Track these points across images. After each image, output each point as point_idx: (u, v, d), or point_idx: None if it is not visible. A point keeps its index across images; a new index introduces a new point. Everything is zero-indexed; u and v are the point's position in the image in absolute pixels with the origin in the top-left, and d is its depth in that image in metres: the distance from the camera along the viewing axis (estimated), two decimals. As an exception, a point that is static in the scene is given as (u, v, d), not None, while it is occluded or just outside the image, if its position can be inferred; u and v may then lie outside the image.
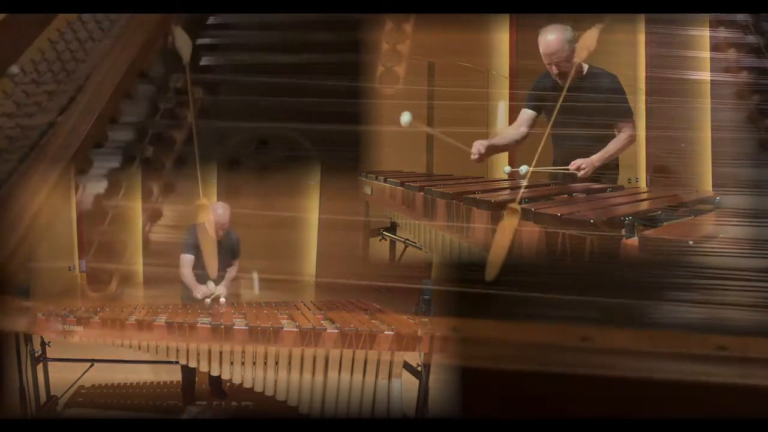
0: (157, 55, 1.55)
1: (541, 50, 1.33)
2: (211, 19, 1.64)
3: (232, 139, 1.44)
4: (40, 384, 1.20)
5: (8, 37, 1.57)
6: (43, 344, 1.22)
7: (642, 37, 1.47)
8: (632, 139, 1.33)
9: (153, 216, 1.40)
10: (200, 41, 1.58)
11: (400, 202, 1.38)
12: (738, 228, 1.19)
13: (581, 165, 1.31)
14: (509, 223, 1.16)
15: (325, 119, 1.42)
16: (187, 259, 1.32)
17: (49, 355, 1.22)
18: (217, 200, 1.39)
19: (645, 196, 1.30)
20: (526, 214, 1.20)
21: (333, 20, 1.54)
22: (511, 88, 1.49)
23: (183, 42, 1.47)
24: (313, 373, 1.15)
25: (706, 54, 1.43)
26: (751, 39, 1.49)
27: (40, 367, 1.22)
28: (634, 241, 1.16)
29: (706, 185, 1.34)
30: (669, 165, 1.39)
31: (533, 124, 1.37)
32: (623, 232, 1.15)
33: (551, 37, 1.31)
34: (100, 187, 1.38)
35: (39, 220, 1.23)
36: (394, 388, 1.16)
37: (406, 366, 1.17)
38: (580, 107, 1.32)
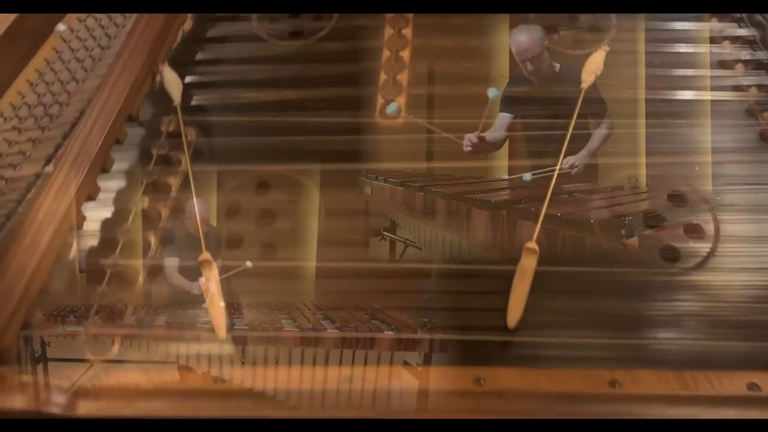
0: (145, 97, 1.47)
1: (513, 50, 1.36)
2: (200, 55, 1.59)
3: (230, 182, 1.39)
4: (40, 384, 1.20)
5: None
6: (43, 344, 1.22)
7: (641, 38, 1.47)
8: (610, 132, 1.34)
9: (153, 272, 1.31)
10: (189, 79, 1.51)
11: (400, 202, 1.38)
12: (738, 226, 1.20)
13: (573, 162, 1.31)
14: (528, 264, 1.11)
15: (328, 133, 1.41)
16: (171, 262, 1.32)
17: (49, 355, 1.22)
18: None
19: (645, 196, 1.30)
20: (526, 214, 1.20)
21: (332, 34, 1.54)
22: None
23: (172, 81, 1.41)
24: (313, 373, 1.16)
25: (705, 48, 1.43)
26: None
27: (40, 367, 1.22)
28: (634, 241, 1.16)
29: (706, 184, 1.34)
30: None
31: (510, 127, 1.38)
32: (623, 232, 1.15)
33: (522, 37, 1.34)
34: (94, 242, 1.31)
35: (37, 276, 1.18)
36: (393, 388, 1.16)
37: (406, 366, 1.17)
38: (554, 105, 1.32)
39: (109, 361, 1.21)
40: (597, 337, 1.07)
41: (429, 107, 1.49)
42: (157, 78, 1.47)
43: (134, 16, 1.57)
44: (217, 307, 1.18)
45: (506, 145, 1.38)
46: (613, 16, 1.45)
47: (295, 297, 1.30)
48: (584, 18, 1.47)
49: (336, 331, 1.16)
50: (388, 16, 1.56)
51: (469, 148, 1.33)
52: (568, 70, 1.35)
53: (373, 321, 1.19)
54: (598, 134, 1.33)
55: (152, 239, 1.32)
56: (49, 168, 1.34)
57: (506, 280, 1.13)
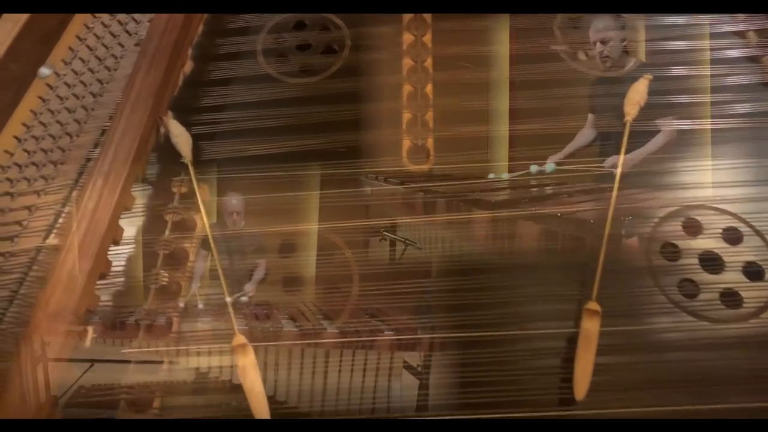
0: (150, 156, 1.34)
1: (590, 32, 1.36)
2: (204, 101, 1.45)
3: (252, 244, 1.32)
4: (40, 384, 1.20)
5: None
6: (43, 344, 1.22)
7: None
8: (670, 138, 1.30)
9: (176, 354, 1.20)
10: (196, 130, 1.36)
11: (400, 202, 1.38)
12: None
13: (615, 163, 1.26)
14: (592, 329, 1.04)
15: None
16: (201, 254, 1.31)
17: (49, 355, 1.22)
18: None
19: (645, 195, 1.30)
20: (525, 214, 1.20)
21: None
22: (511, 88, 1.48)
23: (180, 136, 1.28)
24: (313, 373, 1.16)
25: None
26: None
27: (40, 367, 1.22)
28: (634, 241, 1.16)
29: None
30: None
31: (596, 125, 1.37)
32: (623, 232, 1.16)
33: (602, 19, 1.35)
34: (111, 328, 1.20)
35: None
36: (393, 388, 1.16)
37: (406, 366, 1.17)
38: (619, 102, 1.31)
39: (109, 361, 1.21)
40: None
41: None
42: (162, 130, 1.35)
43: (129, 53, 1.48)
44: (256, 393, 1.10)
45: (506, 147, 1.39)
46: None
47: (296, 297, 1.31)
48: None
49: (336, 331, 1.16)
50: (406, 47, 1.47)
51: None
52: (641, 70, 1.34)
53: (373, 321, 1.19)
54: (655, 139, 1.30)
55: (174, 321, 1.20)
56: (52, 241, 1.23)
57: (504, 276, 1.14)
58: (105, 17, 1.55)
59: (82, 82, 1.47)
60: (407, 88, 1.42)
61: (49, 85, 1.45)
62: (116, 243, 1.25)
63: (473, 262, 1.22)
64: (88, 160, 1.33)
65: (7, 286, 1.19)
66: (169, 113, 1.37)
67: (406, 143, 1.37)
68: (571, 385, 1.04)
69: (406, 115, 1.41)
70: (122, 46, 1.51)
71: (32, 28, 1.44)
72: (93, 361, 1.23)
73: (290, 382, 1.16)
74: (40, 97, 1.44)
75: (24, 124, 1.40)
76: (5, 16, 1.41)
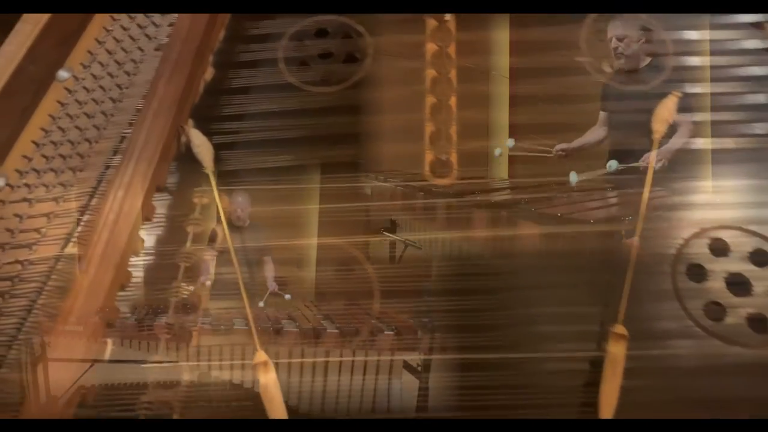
0: (171, 165, 1.31)
1: (609, 28, 1.35)
2: (226, 109, 1.41)
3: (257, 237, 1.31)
4: (40, 384, 1.20)
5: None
6: (43, 344, 1.21)
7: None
8: (693, 133, 1.30)
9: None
10: (217, 139, 1.31)
11: (400, 202, 1.38)
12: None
13: (658, 157, 1.26)
14: (618, 353, 1.03)
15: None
16: (209, 251, 1.32)
17: (49, 355, 1.22)
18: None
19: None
20: (525, 214, 1.20)
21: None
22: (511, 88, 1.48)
23: (202, 146, 1.26)
24: (313, 373, 1.16)
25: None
26: None
27: (40, 367, 1.22)
28: (634, 240, 1.16)
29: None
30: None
31: (608, 123, 1.38)
32: (623, 232, 1.15)
33: (618, 24, 1.34)
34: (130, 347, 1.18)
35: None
36: (393, 388, 1.16)
37: (406, 366, 1.17)
38: (635, 98, 1.32)
39: (109, 362, 1.21)
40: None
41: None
42: (183, 139, 1.31)
43: (148, 58, 1.43)
44: (277, 408, 1.11)
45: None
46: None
47: (296, 297, 1.31)
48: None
49: (336, 330, 1.16)
50: (429, 58, 1.41)
51: (563, 154, 1.33)
52: (656, 67, 1.34)
53: (373, 321, 1.19)
54: (678, 134, 1.29)
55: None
56: (71, 250, 1.19)
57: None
58: (124, 20, 1.51)
59: (101, 86, 1.42)
60: (431, 100, 1.39)
61: (67, 89, 1.41)
62: (136, 254, 1.23)
63: (485, 280, 1.21)
64: (108, 167, 1.30)
65: (26, 295, 1.17)
66: (190, 122, 1.34)
67: (429, 156, 1.33)
68: (594, 407, 1.05)
69: (429, 128, 1.38)
70: (142, 51, 1.46)
71: (51, 30, 1.40)
72: (93, 361, 1.23)
73: (290, 382, 1.16)
74: (59, 101, 1.40)
75: (42, 129, 1.36)
76: (24, 17, 1.37)
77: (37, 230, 1.24)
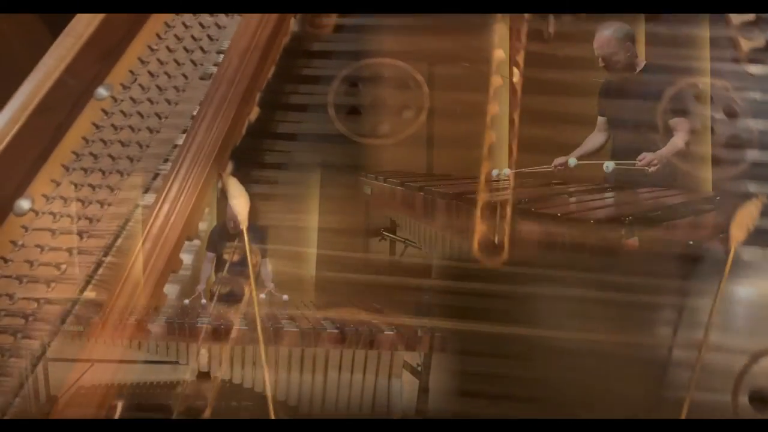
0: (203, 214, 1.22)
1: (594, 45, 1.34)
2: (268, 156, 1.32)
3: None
4: (40, 384, 1.20)
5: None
6: (43, 344, 1.21)
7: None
8: (688, 137, 1.29)
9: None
10: (255, 188, 1.22)
11: (400, 202, 1.38)
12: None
13: (653, 160, 1.27)
14: None
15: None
16: (207, 256, 1.31)
17: (49, 355, 1.22)
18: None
19: (646, 195, 1.30)
20: (526, 214, 1.20)
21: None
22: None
23: (239, 197, 1.15)
24: (313, 373, 1.16)
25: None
26: None
27: (40, 367, 1.22)
28: (634, 241, 1.16)
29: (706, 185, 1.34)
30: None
31: (605, 127, 1.37)
32: (623, 232, 1.15)
33: (603, 33, 1.33)
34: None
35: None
36: (393, 388, 1.16)
37: (406, 366, 1.17)
38: (632, 102, 1.32)
39: (109, 361, 1.21)
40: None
41: (429, 76, 1.37)
42: (219, 185, 1.22)
43: (192, 87, 1.33)
44: None
45: (506, 144, 1.39)
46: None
47: (296, 297, 1.31)
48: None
49: (336, 330, 1.16)
50: (489, 121, 1.29)
51: (561, 168, 1.33)
52: (653, 70, 1.34)
53: (373, 321, 1.19)
54: (676, 137, 1.28)
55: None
56: (89, 294, 1.12)
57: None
58: (170, 40, 1.39)
59: (139, 112, 1.31)
60: (485, 166, 1.28)
61: (104, 111, 1.32)
62: (157, 310, 1.19)
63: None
64: (138, 206, 1.20)
65: (39, 338, 1.12)
66: (230, 167, 1.26)
67: (480, 231, 1.22)
68: None
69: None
70: (186, 78, 1.35)
71: (94, 44, 1.32)
72: (93, 361, 1.23)
73: (290, 382, 1.16)
74: (94, 124, 1.31)
75: (74, 152, 1.28)
76: (67, 30, 1.30)
77: (57, 266, 1.16)
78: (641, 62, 1.35)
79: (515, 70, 1.28)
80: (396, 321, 1.18)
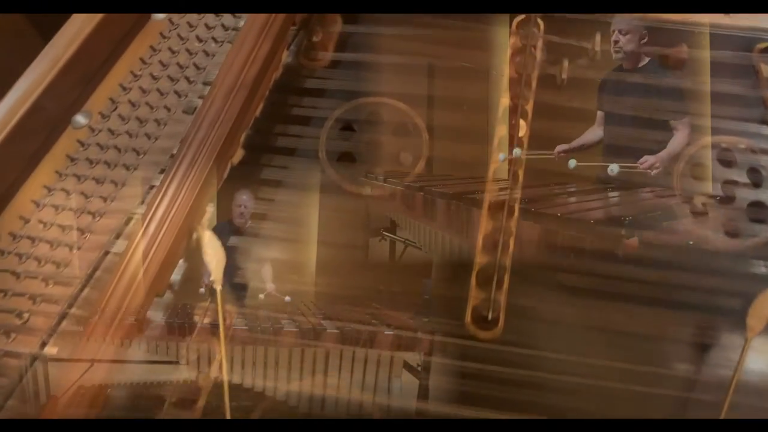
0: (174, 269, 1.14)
1: (613, 21, 1.32)
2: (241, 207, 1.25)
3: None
4: (40, 384, 1.20)
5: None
6: (42, 344, 1.21)
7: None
8: (690, 137, 1.28)
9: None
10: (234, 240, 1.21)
11: (400, 202, 1.38)
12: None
13: (655, 163, 1.26)
14: None
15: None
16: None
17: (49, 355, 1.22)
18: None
19: (646, 195, 1.30)
20: (526, 215, 1.20)
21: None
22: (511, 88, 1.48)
23: (214, 254, 1.06)
24: (313, 373, 1.16)
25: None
26: None
27: (40, 367, 1.22)
28: (634, 241, 1.16)
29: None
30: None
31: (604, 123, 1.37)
32: (623, 232, 1.15)
33: (624, 16, 1.31)
34: None
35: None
36: (393, 388, 1.16)
37: (406, 366, 1.17)
38: (627, 98, 1.31)
39: (109, 361, 1.21)
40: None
41: (429, 76, 1.34)
42: (194, 236, 1.12)
43: (174, 121, 1.21)
44: None
45: (506, 145, 1.39)
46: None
47: (295, 297, 1.31)
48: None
49: (336, 331, 1.16)
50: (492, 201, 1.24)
51: (563, 155, 1.32)
52: (655, 66, 1.34)
53: (374, 321, 1.19)
54: (675, 139, 1.28)
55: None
56: (50, 350, 1.04)
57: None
58: (154, 66, 1.29)
59: (116, 147, 1.21)
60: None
61: (80, 142, 1.22)
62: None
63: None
64: (107, 253, 1.11)
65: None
66: (208, 214, 1.17)
67: (473, 301, 1.18)
68: None
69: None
70: (168, 110, 1.24)
71: (73, 67, 1.22)
72: (93, 361, 1.23)
73: (290, 382, 1.16)
74: (69, 156, 1.21)
75: (46, 187, 1.18)
76: (45, 51, 1.21)
77: (19, 315, 1.08)
78: (645, 59, 1.35)
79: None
80: (396, 321, 1.18)
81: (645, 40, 1.33)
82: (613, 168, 1.28)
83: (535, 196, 1.25)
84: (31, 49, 1.25)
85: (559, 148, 1.32)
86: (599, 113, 1.36)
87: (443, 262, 1.29)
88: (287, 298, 1.28)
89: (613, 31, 1.34)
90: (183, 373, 1.16)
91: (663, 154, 1.28)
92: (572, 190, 1.33)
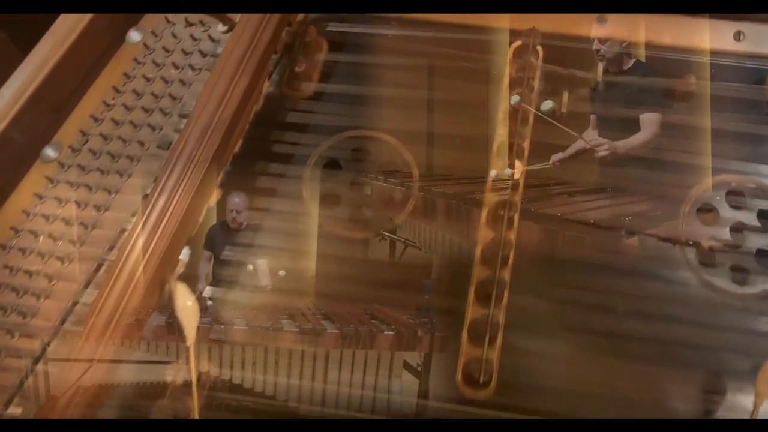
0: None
1: (593, 28, 1.32)
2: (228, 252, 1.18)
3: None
4: (40, 384, 1.20)
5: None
6: (43, 344, 1.21)
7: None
8: (653, 137, 1.29)
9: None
10: (210, 291, 1.16)
11: (400, 202, 1.38)
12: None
13: (604, 144, 1.27)
14: None
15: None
16: (204, 255, 1.29)
17: (49, 355, 1.22)
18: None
19: (646, 196, 1.30)
20: (525, 214, 1.20)
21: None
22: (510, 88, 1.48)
23: (185, 309, 1.00)
24: (313, 373, 1.16)
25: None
26: None
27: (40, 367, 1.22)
28: (635, 241, 1.16)
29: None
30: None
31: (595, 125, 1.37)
32: (623, 232, 1.16)
33: (603, 21, 1.32)
34: None
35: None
36: (393, 388, 1.16)
37: (406, 366, 1.17)
38: (613, 97, 1.32)
39: (109, 361, 1.21)
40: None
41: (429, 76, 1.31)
42: (166, 288, 1.06)
43: (149, 157, 1.16)
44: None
45: (506, 144, 1.39)
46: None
47: (296, 297, 1.31)
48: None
49: (336, 331, 1.16)
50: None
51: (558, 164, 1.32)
52: (638, 68, 1.34)
53: (373, 321, 1.19)
54: (637, 135, 1.29)
55: None
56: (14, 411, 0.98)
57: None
58: (127, 96, 1.22)
59: (87, 185, 1.14)
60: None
61: (49, 179, 1.15)
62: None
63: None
64: (76, 303, 1.05)
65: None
66: (181, 261, 1.12)
67: (463, 360, 1.14)
68: None
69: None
70: (142, 145, 1.18)
71: (42, 96, 1.15)
72: (93, 361, 1.23)
73: (290, 382, 1.16)
74: (37, 194, 1.14)
75: (12, 228, 1.11)
76: (12, 78, 1.15)
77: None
78: (630, 61, 1.35)
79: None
80: (396, 321, 1.18)
81: (626, 43, 1.33)
82: (547, 103, 1.27)
83: (536, 197, 1.25)
84: (6, 63, 1.20)
85: (555, 157, 1.32)
86: (593, 117, 1.37)
87: (443, 262, 1.29)
88: (281, 273, 1.25)
89: (593, 40, 1.34)
90: (181, 374, 1.16)
91: (619, 143, 1.28)
92: (572, 190, 1.33)
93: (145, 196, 1.09)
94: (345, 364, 1.15)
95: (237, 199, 1.31)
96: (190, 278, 1.24)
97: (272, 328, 1.17)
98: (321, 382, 1.15)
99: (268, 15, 1.17)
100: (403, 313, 1.21)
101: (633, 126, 1.29)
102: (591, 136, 1.35)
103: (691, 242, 1.11)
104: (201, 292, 1.30)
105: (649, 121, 1.29)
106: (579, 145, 1.33)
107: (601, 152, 1.28)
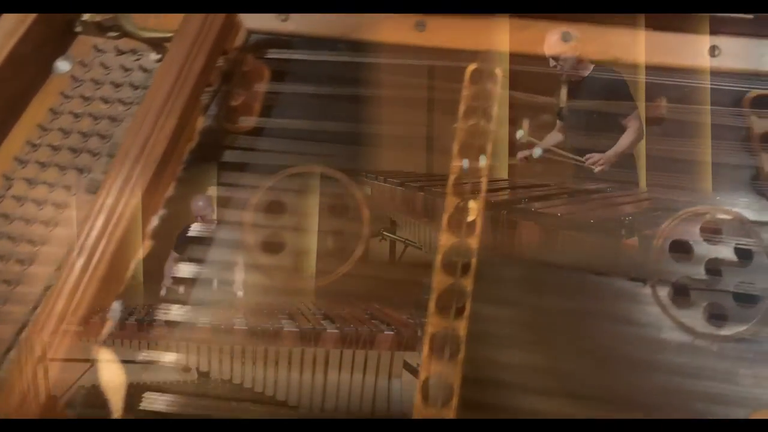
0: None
1: (544, 46, 1.32)
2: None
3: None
4: (40, 384, 1.20)
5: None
6: (43, 344, 1.21)
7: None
8: (640, 133, 1.29)
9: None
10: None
11: (400, 202, 1.38)
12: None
13: (598, 160, 1.28)
14: None
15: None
16: (172, 255, 1.28)
17: (49, 355, 1.22)
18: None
19: (645, 195, 1.30)
20: (525, 214, 1.20)
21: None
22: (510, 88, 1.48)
23: (109, 377, 0.95)
24: (313, 373, 1.16)
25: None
26: None
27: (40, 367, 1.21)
28: (634, 241, 1.16)
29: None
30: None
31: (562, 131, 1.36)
32: (623, 232, 1.16)
33: (552, 36, 1.32)
34: None
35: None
36: (393, 388, 1.16)
37: (406, 366, 1.17)
38: (583, 105, 1.31)
39: (108, 362, 1.21)
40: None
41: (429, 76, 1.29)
42: (92, 358, 1.00)
43: (78, 198, 1.07)
44: None
45: (506, 144, 1.39)
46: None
47: (295, 297, 1.31)
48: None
49: (336, 330, 1.16)
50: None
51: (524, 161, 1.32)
52: (599, 74, 1.34)
53: (373, 321, 1.19)
54: (626, 134, 1.29)
55: None
56: None
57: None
58: (54, 136, 1.10)
59: (9, 235, 1.05)
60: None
61: None
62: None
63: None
64: (11, 349, 1.00)
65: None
66: (107, 329, 1.02)
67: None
68: None
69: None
70: (68, 189, 1.10)
71: None
72: (93, 361, 1.23)
73: (290, 382, 1.16)
74: None
75: None
76: None
77: None
78: (590, 66, 1.34)
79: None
80: (396, 321, 1.18)
81: (578, 52, 1.33)
82: (537, 151, 1.27)
83: (535, 197, 1.26)
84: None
85: (521, 154, 1.31)
86: (558, 122, 1.36)
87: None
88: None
89: (548, 58, 1.34)
90: (169, 374, 1.15)
91: (610, 152, 1.28)
92: (572, 190, 1.33)
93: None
94: (345, 364, 1.15)
95: (201, 203, 1.23)
96: (155, 276, 1.18)
97: (272, 328, 1.17)
98: (321, 382, 1.15)
99: (198, 44, 1.10)
100: (403, 313, 1.21)
101: (600, 127, 1.29)
102: (555, 138, 1.35)
103: (662, 279, 1.06)
104: (167, 288, 1.27)
105: (631, 120, 1.29)
106: (547, 143, 1.33)
107: (598, 168, 1.28)
